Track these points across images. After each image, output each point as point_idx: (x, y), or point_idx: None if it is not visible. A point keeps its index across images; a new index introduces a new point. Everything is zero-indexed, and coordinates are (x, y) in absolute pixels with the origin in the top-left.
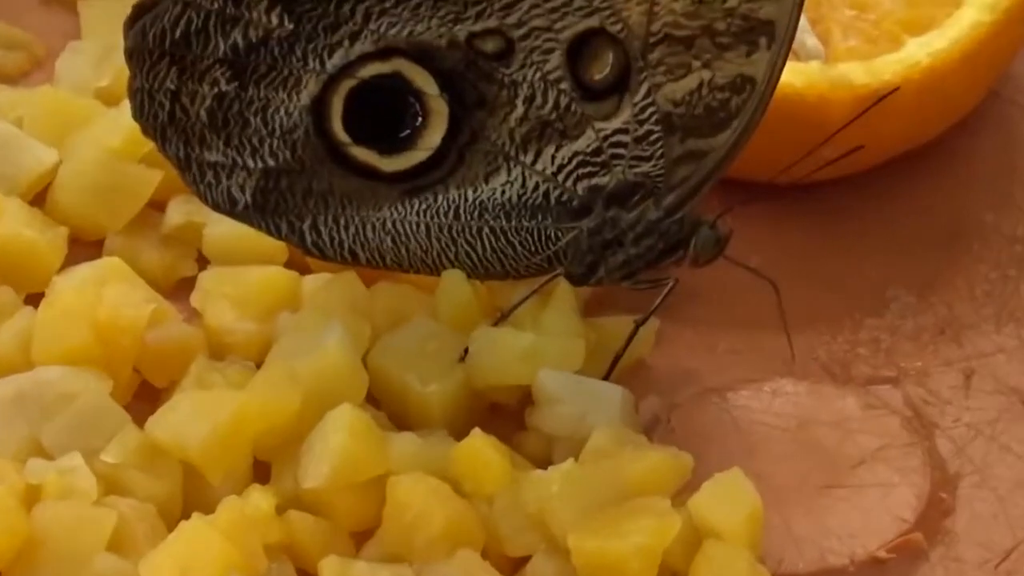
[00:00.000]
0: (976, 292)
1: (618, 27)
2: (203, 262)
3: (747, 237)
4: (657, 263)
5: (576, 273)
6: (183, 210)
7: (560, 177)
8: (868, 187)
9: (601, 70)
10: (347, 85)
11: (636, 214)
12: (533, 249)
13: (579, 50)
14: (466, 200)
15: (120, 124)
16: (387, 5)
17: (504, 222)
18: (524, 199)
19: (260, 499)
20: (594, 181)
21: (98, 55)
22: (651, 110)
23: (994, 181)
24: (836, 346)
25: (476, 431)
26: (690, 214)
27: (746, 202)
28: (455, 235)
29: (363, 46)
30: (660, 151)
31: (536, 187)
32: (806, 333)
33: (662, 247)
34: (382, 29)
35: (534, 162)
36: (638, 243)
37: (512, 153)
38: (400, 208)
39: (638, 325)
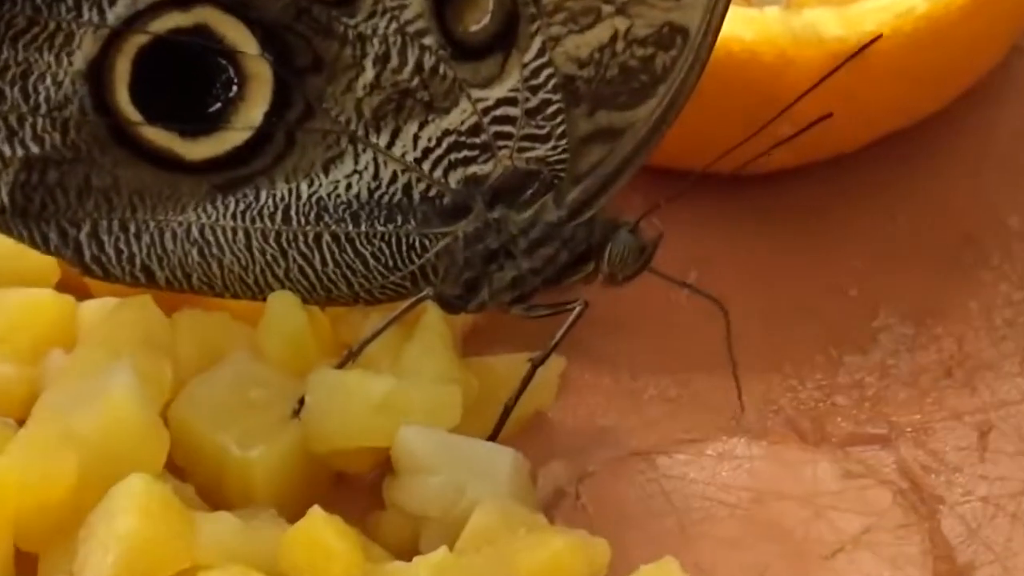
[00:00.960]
0: (995, 320)
1: None
2: None
3: (682, 244)
4: (559, 281)
5: (450, 296)
6: None
7: (426, 165)
8: (845, 178)
9: (478, 19)
10: (136, 43)
11: (530, 215)
12: (391, 263)
13: None
14: (299, 197)
15: None
16: None
17: (351, 227)
18: (377, 195)
19: None
20: (472, 170)
21: None
22: (547, 72)
23: (1018, 170)
24: (805, 393)
25: (315, 510)
26: (603, 214)
27: (677, 197)
28: (285, 245)
29: None
30: (561, 128)
31: (393, 179)
32: (764, 375)
33: (566, 259)
34: None
35: (390, 145)
36: (533, 254)
37: (360, 133)
38: (210, 209)
39: (535, 366)
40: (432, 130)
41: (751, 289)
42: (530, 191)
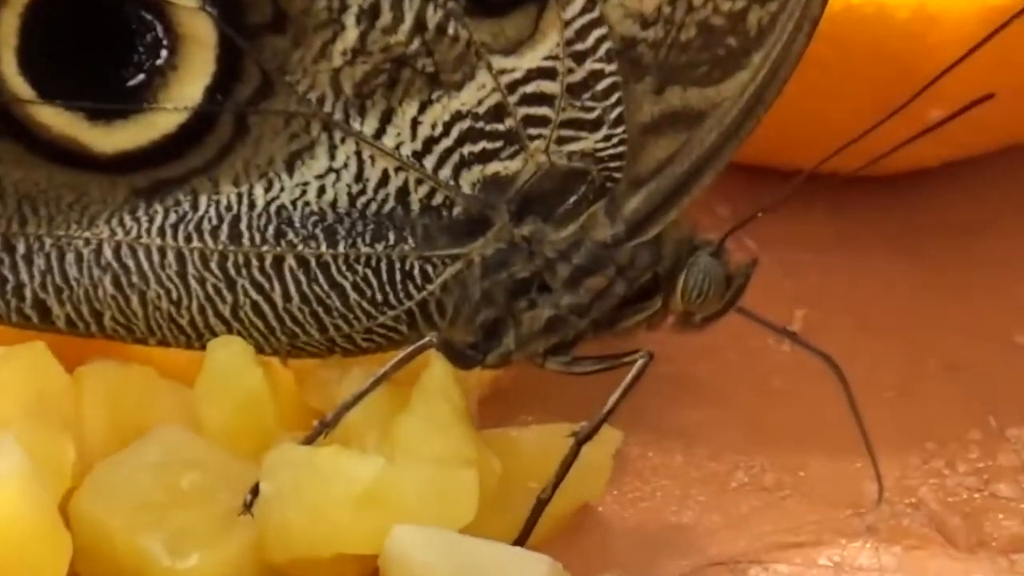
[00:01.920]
0: None
1: None
2: None
3: (783, 274)
4: (614, 324)
5: (463, 344)
6: None
7: (429, 161)
8: (1010, 182)
9: None
10: None
11: (573, 231)
12: (380, 298)
13: None
14: (252, 206)
15: None
16: None
17: (324, 247)
18: (362, 203)
19: None
20: (493, 168)
21: None
22: (598, 33)
23: None
24: (955, 480)
25: None
26: (675, 231)
27: (779, 207)
28: (233, 272)
29: None
30: (617, 111)
31: (384, 180)
32: (898, 456)
33: (622, 293)
34: None
35: (379, 133)
36: (577, 286)
37: (338, 116)
38: (129, 222)
39: (579, 442)
40: (438, 113)
41: (878, 337)
42: (573, 198)
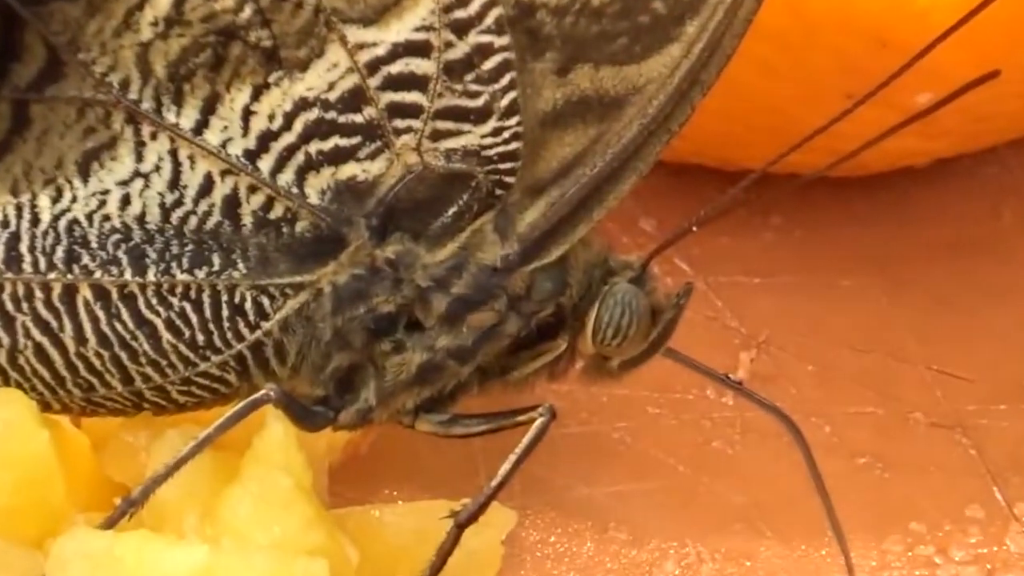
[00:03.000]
0: None
1: None
2: None
3: (728, 302)
4: (506, 372)
5: (310, 399)
6: None
7: (265, 163)
8: (1007, 181)
9: None
10: None
11: (452, 251)
12: (201, 340)
13: None
14: (36, 220)
15: None
16: None
17: (130, 274)
18: (178, 218)
19: None
20: (348, 172)
21: None
22: None
23: None
24: (949, 570)
25: None
26: (585, 252)
27: (722, 215)
28: (10, 307)
29: None
30: (509, 97)
31: (207, 188)
32: (871, 536)
33: (516, 332)
34: None
35: (201, 127)
36: (457, 323)
37: (147, 106)
38: None
39: (460, 524)
40: (276, 101)
41: (847, 386)
42: (453, 210)
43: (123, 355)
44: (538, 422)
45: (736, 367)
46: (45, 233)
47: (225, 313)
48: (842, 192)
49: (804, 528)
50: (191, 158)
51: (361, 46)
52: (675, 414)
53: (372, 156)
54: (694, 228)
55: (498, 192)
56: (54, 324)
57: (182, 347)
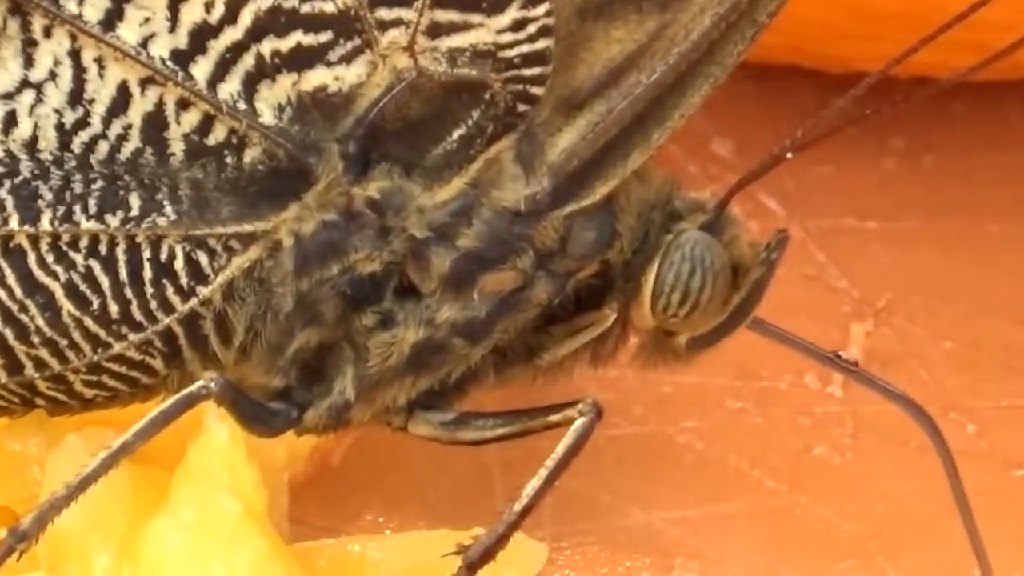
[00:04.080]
0: None
1: None
2: None
3: (834, 256)
4: (533, 356)
5: (264, 392)
6: None
7: (201, 68)
8: None
9: None
10: None
11: (459, 190)
12: (115, 311)
13: None
14: None
15: None
16: None
17: (16, 221)
18: (83, 143)
19: None
20: (315, 80)
21: None
22: None
23: None
24: None
25: None
26: (640, 190)
27: (820, 141)
28: None
29: None
30: None
31: (122, 103)
32: None
33: (547, 299)
34: None
35: (112, 20)
36: (465, 287)
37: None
38: None
39: (471, 565)
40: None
41: (1002, 367)
42: (458, 133)
43: (7, 333)
44: (577, 423)
45: (847, 344)
46: None
47: (147, 275)
48: (991, 103)
49: (940, 564)
50: (99, 62)
51: None
52: (762, 410)
53: (348, 59)
54: (788, 154)
55: (520, 108)
56: None
57: (88, 321)
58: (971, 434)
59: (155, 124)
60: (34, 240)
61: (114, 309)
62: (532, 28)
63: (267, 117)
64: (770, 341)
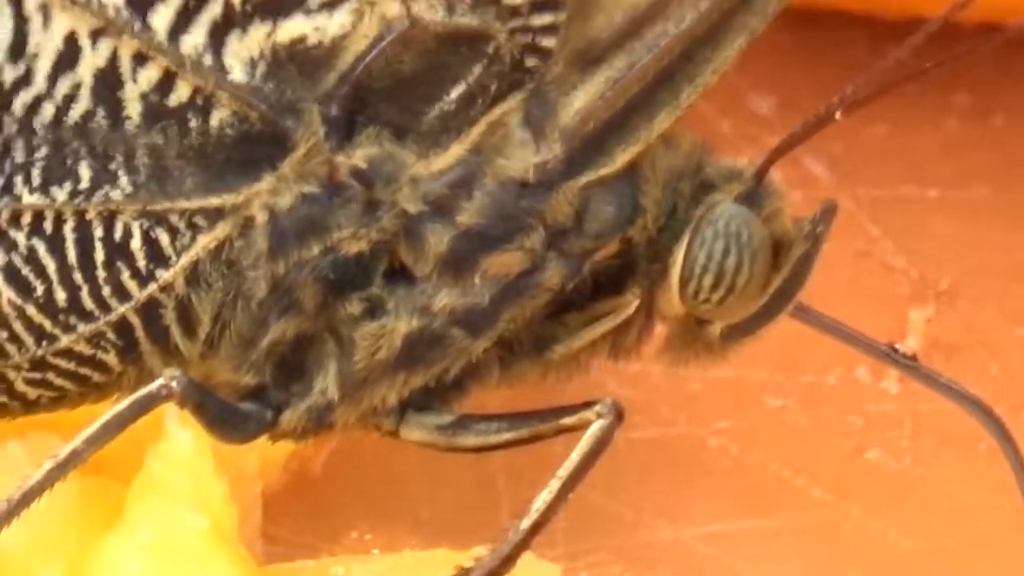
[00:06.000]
0: None
1: None
2: None
3: (889, 230)
4: (543, 349)
5: (234, 392)
6: None
7: (160, 17)
8: None
9: None
10: None
11: (458, 157)
12: (62, 298)
13: None
14: None
15: None
16: None
17: None
18: (23, 106)
19: None
20: (292, 31)
21: None
22: None
23: None
24: None
25: None
26: (667, 157)
27: (871, 100)
28: None
29: None
30: None
31: (70, 58)
32: None
33: (560, 283)
34: None
35: None
36: (465, 270)
37: None
38: None
39: None
40: None
41: None
42: (457, 93)
43: None
44: (595, 426)
45: (905, 332)
46: None
47: (100, 257)
48: None
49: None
50: (44, 10)
51: None
52: (808, 408)
53: (330, 6)
54: (836, 115)
55: (529, 63)
56: None
57: (31, 310)
58: None
59: (108, 82)
60: None
61: (61, 296)
62: None
63: (237, 74)
64: (816, 331)
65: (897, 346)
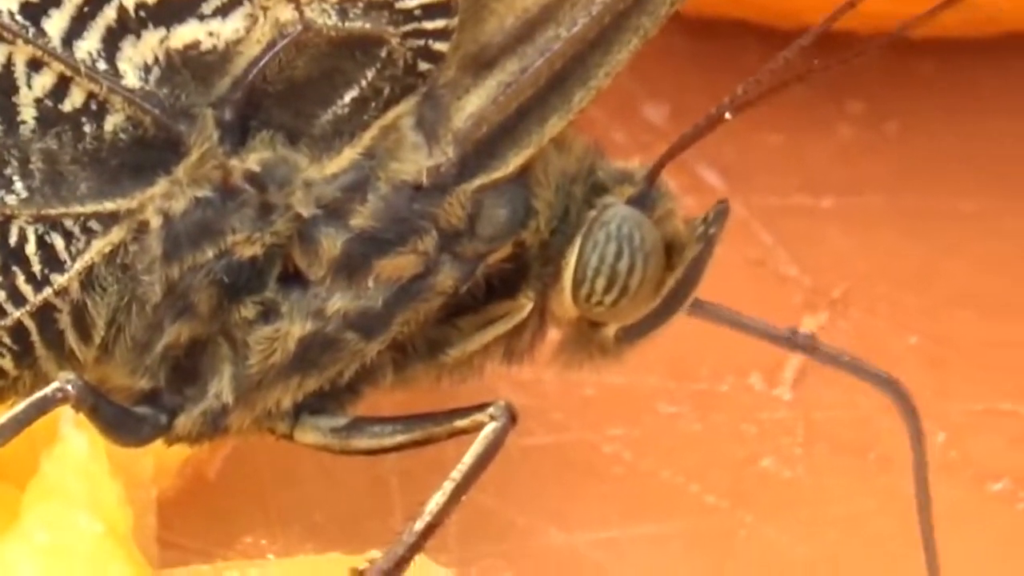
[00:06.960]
0: None
1: None
2: None
3: (777, 231)
4: (437, 352)
5: (129, 395)
6: None
7: (54, 22)
8: None
9: None
10: None
11: (351, 161)
12: None
13: None
14: None
15: None
16: None
17: None
18: None
19: None
20: (186, 36)
21: None
22: None
23: None
24: None
25: None
26: (560, 160)
27: (761, 101)
28: None
29: None
30: None
31: None
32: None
33: (451, 287)
34: None
35: None
36: (357, 274)
37: None
38: None
39: None
40: None
41: (976, 366)
42: (350, 96)
43: None
44: (488, 428)
45: (796, 322)
46: None
47: None
48: (961, 64)
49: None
50: None
51: None
52: (701, 416)
53: (224, 11)
54: (727, 116)
55: (422, 67)
56: None
57: None
58: (941, 443)
59: (2, 88)
60: None
61: None
62: None
63: (131, 79)
64: (709, 337)
65: (797, 330)
